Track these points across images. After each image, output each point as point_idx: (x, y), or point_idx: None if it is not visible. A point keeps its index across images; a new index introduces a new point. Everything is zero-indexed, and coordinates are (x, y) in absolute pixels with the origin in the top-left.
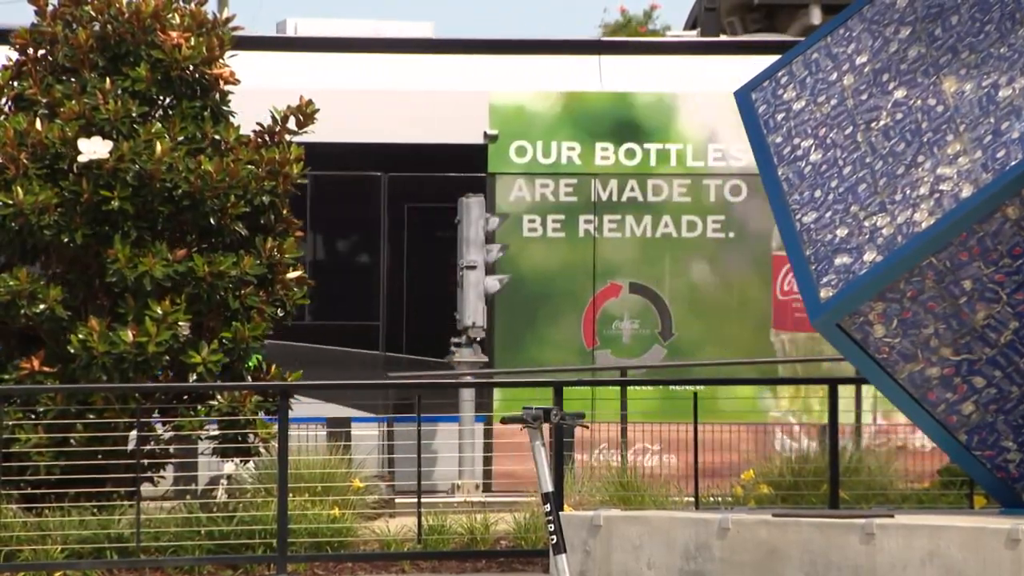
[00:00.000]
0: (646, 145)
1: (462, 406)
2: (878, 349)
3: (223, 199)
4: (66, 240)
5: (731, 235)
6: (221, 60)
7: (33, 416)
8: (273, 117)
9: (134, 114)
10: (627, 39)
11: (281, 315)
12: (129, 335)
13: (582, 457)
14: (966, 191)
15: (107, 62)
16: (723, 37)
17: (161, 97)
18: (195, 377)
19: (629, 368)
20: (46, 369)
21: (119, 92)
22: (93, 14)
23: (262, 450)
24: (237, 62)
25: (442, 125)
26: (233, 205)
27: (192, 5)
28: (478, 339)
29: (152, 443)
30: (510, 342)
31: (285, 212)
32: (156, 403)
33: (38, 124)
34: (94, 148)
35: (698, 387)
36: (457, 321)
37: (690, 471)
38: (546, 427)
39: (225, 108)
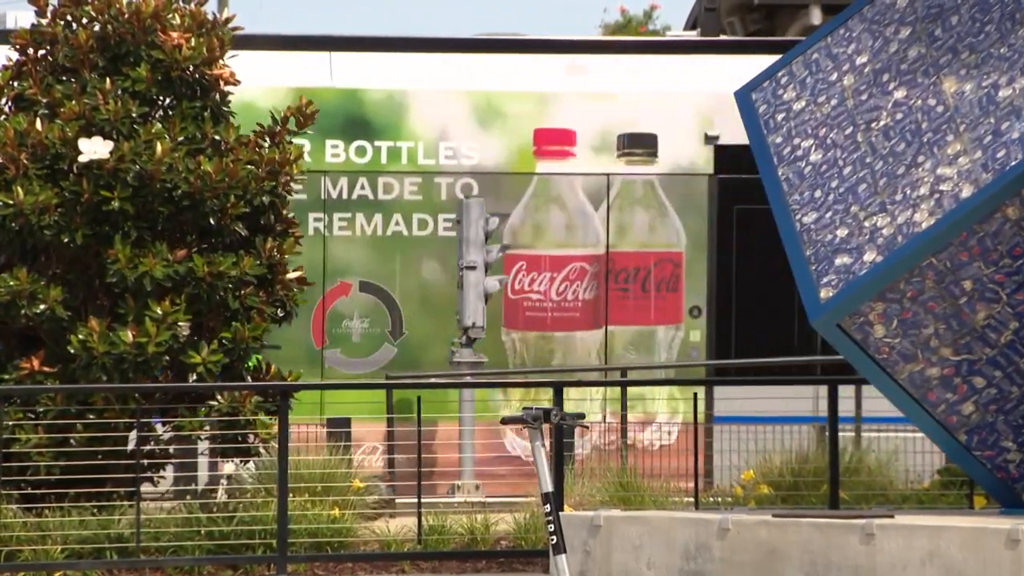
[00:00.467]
0: (377, 143)
1: (462, 406)
2: (878, 349)
3: (223, 199)
4: (66, 240)
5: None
6: (221, 60)
7: (33, 416)
8: (273, 117)
9: (134, 114)
10: (358, 35)
11: (281, 315)
12: (129, 335)
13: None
14: (966, 191)
15: (107, 62)
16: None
17: (161, 97)
18: (195, 377)
19: (633, 368)
20: (46, 369)
21: (119, 92)
22: (93, 14)
23: (262, 450)
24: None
25: None
26: (233, 205)
27: (192, 5)
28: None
29: (152, 443)
30: None
31: (285, 212)
32: (156, 403)
33: (38, 124)
34: (94, 148)
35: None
36: (458, 322)
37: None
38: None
39: (225, 108)
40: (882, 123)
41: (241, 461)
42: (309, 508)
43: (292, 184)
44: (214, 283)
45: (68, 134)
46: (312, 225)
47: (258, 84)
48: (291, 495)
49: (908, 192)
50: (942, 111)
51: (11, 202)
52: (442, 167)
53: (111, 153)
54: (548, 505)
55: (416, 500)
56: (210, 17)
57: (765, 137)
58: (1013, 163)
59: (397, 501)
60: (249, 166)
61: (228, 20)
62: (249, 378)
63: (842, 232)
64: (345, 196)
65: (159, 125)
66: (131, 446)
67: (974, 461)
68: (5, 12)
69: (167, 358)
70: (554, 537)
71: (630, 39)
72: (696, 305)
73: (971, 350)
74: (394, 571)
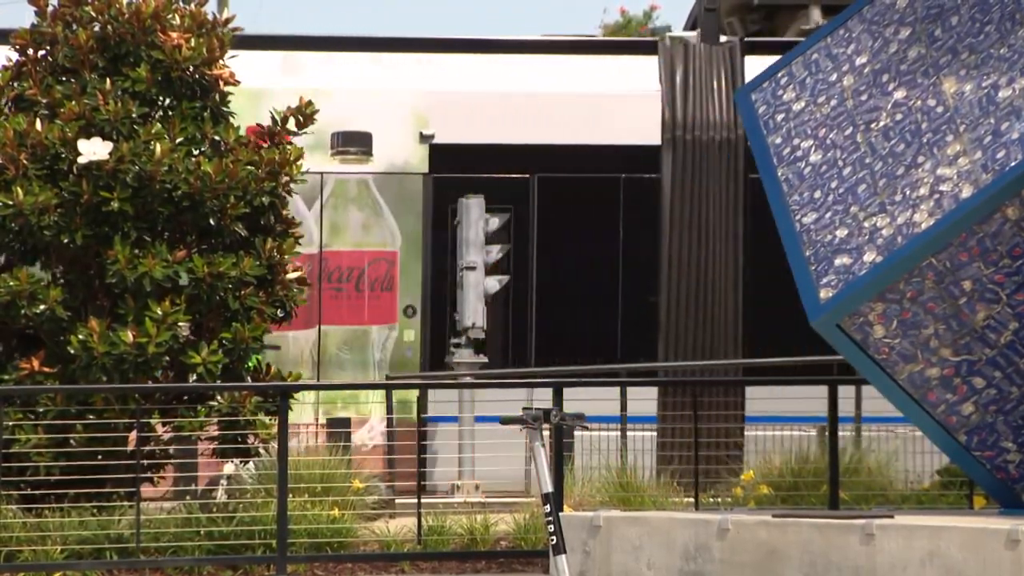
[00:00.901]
0: None
1: (461, 407)
2: (878, 350)
3: (223, 200)
4: (66, 241)
5: None
6: (221, 61)
7: (33, 416)
8: (273, 118)
9: (134, 115)
10: None
11: (281, 315)
12: (129, 336)
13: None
14: (966, 192)
15: (107, 63)
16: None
17: (161, 98)
18: (195, 378)
19: (629, 368)
20: (46, 370)
21: (119, 93)
22: (93, 15)
23: (262, 451)
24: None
25: None
26: (233, 206)
27: (192, 6)
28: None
29: (152, 444)
30: None
31: (285, 213)
32: (156, 404)
33: (38, 125)
34: (94, 149)
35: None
36: (457, 322)
37: None
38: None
39: (225, 109)
40: (882, 124)
41: (241, 461)
42: (309, 508)
43: (292, 184)
44: (214, 283)
45: (68, 134)
46: None
47: None
48: (291, 495)
49: (908, 192)
50: (942, 112)
51: (11, 202)
52: None
53: (111, 154)
54: (548, 505)
55: (416, 500)
56: (210, 18)
57: (765, 138)
58: (1013, 163)
59: (397, 501)
60: (249, 167)
61: (228, 21)
62: (249, 378)
63: (842, 232)
64: None
65: (159, 125)
66: (131, 446)
67: (974, 461)
68: None
69: (167, 358)
70: (554, 537)
71: (345, 36)
72: (411, 304)
73: (971, 350)
74: (394, 571)
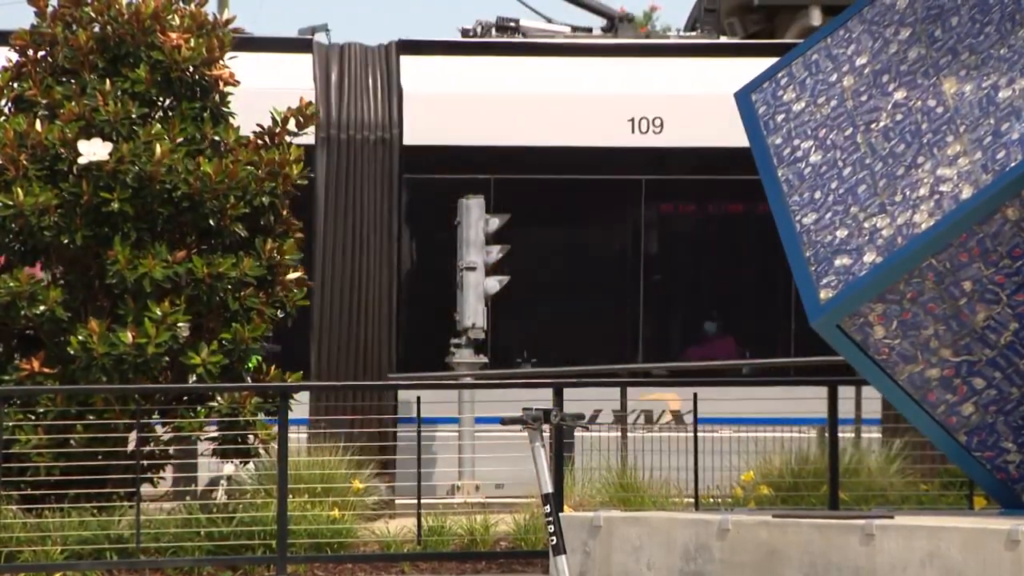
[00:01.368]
0: None
1: (461, 407)
2: (878, 350)
3: (223, 200)
4: (66, 241)
5: None
6: (221, 61)
7: (33, 417)
8: (273, 118)
9: (134, 115)
10: None
11: (281, 316)
12: (129, 336)
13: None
14: (966, 192)
15: (107, 63)
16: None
17: (161, 98)
18: (195, 378)
19: (631, 368)
20: (46, 370)
21: (119, 93)
22: (93, 15)
23: (262, 451)
24: None
25: None
26: (233, 206)
27: (192, 6)
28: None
29: (152, 444)
30: None
31: (285, 213)
32: (156, 404)
33: (38, 125)
34: (94, 149)
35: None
36: (456, 322)
37: None
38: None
39: (225, 109)
40: (882, 124)
41: (241, 462)
42: (309, 509)
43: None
44: (214, 284)
45: (68, 135)
46: None
47: None
48: (291, 496)
49: (908, 193)
50: (942, 112)
51: (11, 203)
52: None
53: (111, 154)
54: (548, 506)
55: (416, 500)
56: (210, 18)
57: (765, 138)
58: (1013, 164)
59: (396, 502)
60: (249, 167)
61: (228, 21)
62: (249, 379)
63: (842, 233)
64: None
65: (159, 126)
66: (131, 447)
67: (974, 462)
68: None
69: (167, 359)
70: (554, 538)
71: None
72: None
73: (971, 351)
74: (394, 572)
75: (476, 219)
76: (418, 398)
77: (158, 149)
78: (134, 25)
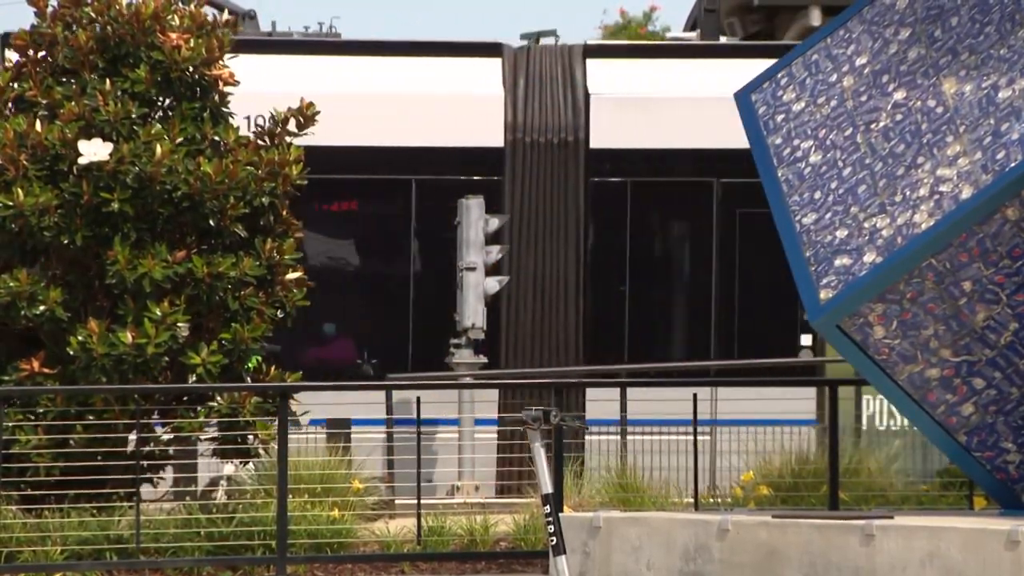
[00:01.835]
0: None
1: (461, 407)
2: (878, 350)
3: (223, 200)
4: (66, 242)
5: None
6: (221, 61)
7: (33, 417)
8: (273, 118)
9: (134, 116)
10: None
11: (281, 316)
12: (129, 336)
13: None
14: (966, 192)
15: (107, 63)
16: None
17: (161, 98)
18: (194, 378)
19: (631, 369)
20: (46, 370)
21: (119, 93)
22: (93, 15)
23: (261, 451)
24: None
25: None
26: (233, 206)
27: (192, 6)
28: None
29: (152, 444)
30: None
31: (284, 213)
32: (156, 404)
33: (38, 125)
34: (94, 150)
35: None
36: (457, 323)
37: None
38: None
39: (225, 109)
40: (882, 124)
41: (241, 462)
42: (309, 509)
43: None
44: (213, 284)
45: (68, 135)
46: None
47: None
48: (291, 496)
49: (908, 193)
50: (942, 112)
51: (11, 203)
52: None
53: (111, 155)
54: (548, 506)
55: (416, 501)
56: (210, 18)
57: (765, 138)
58: (1013, 164)
59: (396, 502)
60: (249, 167)
61: (228, 22)
62: (248, 379)
63: (842, 233)
64: None
65: (159, 126)
66: (131, 447)
67: (974, 462)
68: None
69: (167, 359)
70: (554, 538)
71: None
72: None
73: (971, 351)
74: (394, 572)
75: (476, 219)
76: (418, 398)
77: (158, 149)
78: (134, 25)
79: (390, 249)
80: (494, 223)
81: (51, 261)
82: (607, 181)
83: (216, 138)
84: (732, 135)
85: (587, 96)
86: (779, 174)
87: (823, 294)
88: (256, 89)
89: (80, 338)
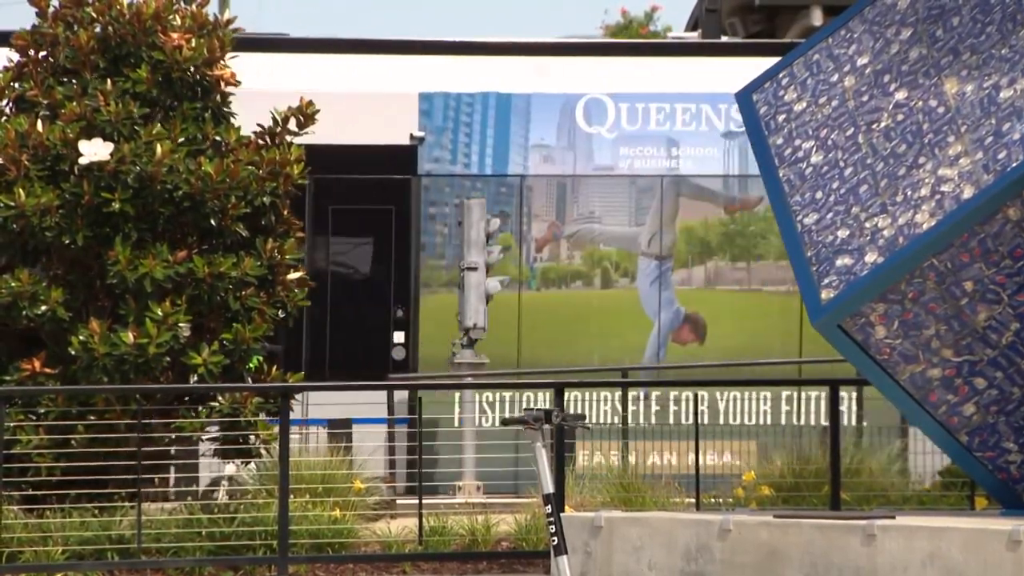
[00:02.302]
0: None
1: (463, 407)
2: (879, 350)
3: (224, 200)
4: (67, 242)
5: None
6: (222, 62)
7: (34, 417)
8: (274, 118)
9: (135, 116)
10: None
11: (282, 316)
12: (130, 336)
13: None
14: (967, 192)
15: (108, 63)
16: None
17: (162, 98)
18: (196, 378)
19: (631, 369)
20: (47, 370)
21: (120, 94)
22: (94, 15)
23: (263, 451)
24: None
25: None
26: (234, 206)
27: (193, 7)
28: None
29: (153, 444)
30: None
31: (286, 213)
32: (157, 404)
33: (39, 126)
34: (95, 150)
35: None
36: (459, 323)
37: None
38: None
39: (226, 109)
40: (883, 124)
41: (242, 462)
42: (310, 509)
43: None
44: (215, 284)
45: (69, 135)
46: None
47: None
48: (292, 496)
49: (909, 193)
50: (943, 112)
51: (12, 204)
52: None
53: (112, 155)
54: (549, 506)
55: (417, 501)
56: (211, 18)
57: (766, 138)
58: (1014, 164)
59: (398, 502)
60: (250, 167)
61: (229, 22)
62: (250, 379)
63: (843, 233)
64: None
65: (160, 126)
66: (132, 447)
67: (975, 462)
68: None
69: (168, 359)
70: (555, 538)
71: None
72: None
73: (972, 351)
74: (395, 572)
75: (477, 219)
76: (419, 398)
77: (159, 149)
78: (135, 25)
79: None
80: (495, 223)
81: (52, 261)
82: None
83: (217, 138)
84: None
85: None
86: (780, 174)
87: (824, 294)
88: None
89: (81, 338)
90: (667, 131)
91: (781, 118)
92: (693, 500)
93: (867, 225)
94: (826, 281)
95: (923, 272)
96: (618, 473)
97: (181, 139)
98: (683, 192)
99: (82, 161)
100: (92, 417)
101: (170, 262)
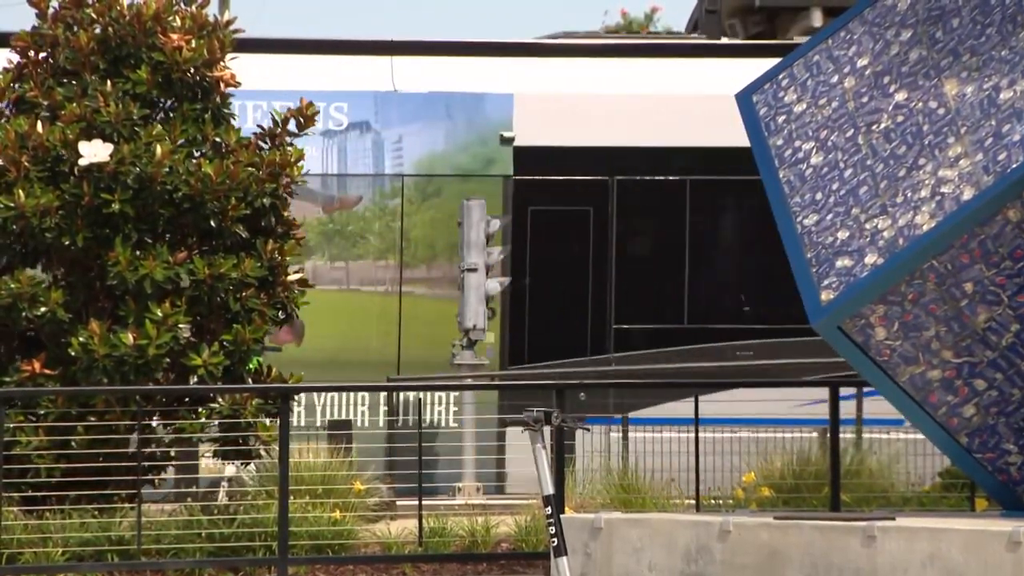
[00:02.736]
0: None
1: (463, 408)
2: (879, 352)
3: (224, 201)
4: (67, 243)
5: None
6: (222, 63)
7: (34, 419)
8: (273, 119)
9: (135, 117)
10: None
11: (282, 317)
12: (130, 338)
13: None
14: (967, 194)
15: (108, 64)
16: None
17: (162, 99)
18: (196, 379)
19: (630, 370)
20: (47, 372)
21: (120, 95)
22: (94, 16)
23: (263, 452)
24: None
25: None
26: (234, 207)
27: (193, 7)
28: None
29: (153, 446)
30: None
31: (285, 214)
32: (157, 406)
33: (39, 127)
34: (95, 151)
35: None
36: (459, 324)
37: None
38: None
39: (226, 110)
40: (883, 125)
41: (242, 463)
42: (310, 510)
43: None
44: (215, 285)
45: (69, 136)
46: None
47: None
48: (292, 497)
49: (909, 194)
50: (943, 113)
51: (12, 205)
52: None
53: (111, 156)
54: (549, 507)
55: (417, 502)
56: (211, 19)
57: (766, 139)
58: (1014, 165)
59: (398, 503)
60: (250, 168)
61: (229, 23)
62: (250, 380)
63: (843, 234)
64: None
65: (160, 127)
66: (132, 448)
67: (975, 464)
68: None
69: (168, 360)
70: (555, 539)
71: None
72: None
73: (972, 352)
74: (395, 573)
75: (477, 220)
76: (419, 399)
77: (159, 150)
78: (135, 26)
79: None
80: (495, 224)
81: (52, 262)
82: None
83: (217, 139)
84: None
85: None
86: (780, 175)
87: (824, 295)
88: None
89: (81, 339)
90: None
91: (781, 119)
92: (693, 501)
93: (867, 226)
94: (826, 282)
95: (923, 273)
96: (618, 474)
97: (181, 140)
98: None
99: (82, 162)
100: (92, 418)
101: (170, 263)
